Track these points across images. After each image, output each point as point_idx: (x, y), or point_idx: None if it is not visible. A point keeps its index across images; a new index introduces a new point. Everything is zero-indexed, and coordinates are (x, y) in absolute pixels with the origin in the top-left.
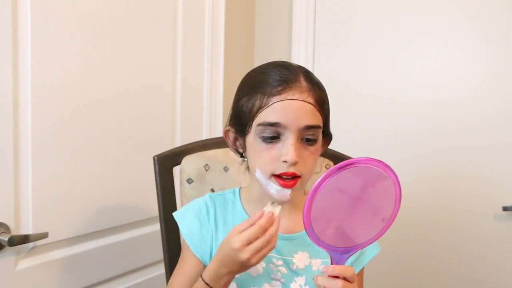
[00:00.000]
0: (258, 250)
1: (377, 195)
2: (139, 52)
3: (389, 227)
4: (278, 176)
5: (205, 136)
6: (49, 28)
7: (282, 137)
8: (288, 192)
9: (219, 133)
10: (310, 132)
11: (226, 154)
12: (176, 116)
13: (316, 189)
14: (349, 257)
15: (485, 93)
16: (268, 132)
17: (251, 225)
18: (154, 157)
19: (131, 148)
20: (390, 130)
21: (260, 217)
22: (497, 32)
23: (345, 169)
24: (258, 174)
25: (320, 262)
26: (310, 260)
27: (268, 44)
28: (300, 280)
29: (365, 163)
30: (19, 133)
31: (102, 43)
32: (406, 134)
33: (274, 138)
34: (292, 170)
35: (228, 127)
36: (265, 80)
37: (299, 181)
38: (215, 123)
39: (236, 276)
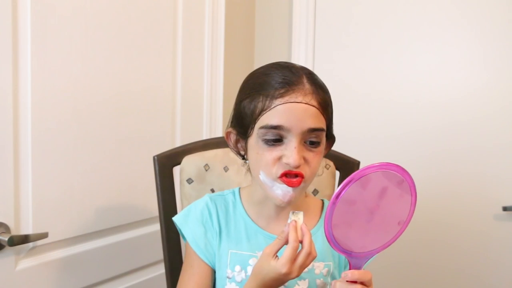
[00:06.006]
0: (303, 266)
1: (393, 199)
2: (139, 52)
3: (404, 230)
4: (283, 175)
5: (205, 136)
6: (49, 28)
7: (285, 140)
8: (291, 191)
9: (219, 133)
10: (313, 135)
11: (226, 154)
12: (176, 116)
13: (337, 196)
14: (367, 261)
15: (485, 93)
16: (271, 135)
17: (285, 242)
18: (154, 157)
19: (131, 148)
20: (390, 131)
21: (288, 232)
22: (499, 32)
23: (363, 176)
24: (262, 176)
25: (323, 265)
26: (313, 263)
27: (268, 44)
28: (303, 284)
29: (382, 168)
30: (19, 133)
31: (102, 43)
32: (406, 135)
33: (276, 141)
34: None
35: (230, 129)
36: (268, 82)
37: (302, 182)
38: (215, 123)
39: (238, 279)
